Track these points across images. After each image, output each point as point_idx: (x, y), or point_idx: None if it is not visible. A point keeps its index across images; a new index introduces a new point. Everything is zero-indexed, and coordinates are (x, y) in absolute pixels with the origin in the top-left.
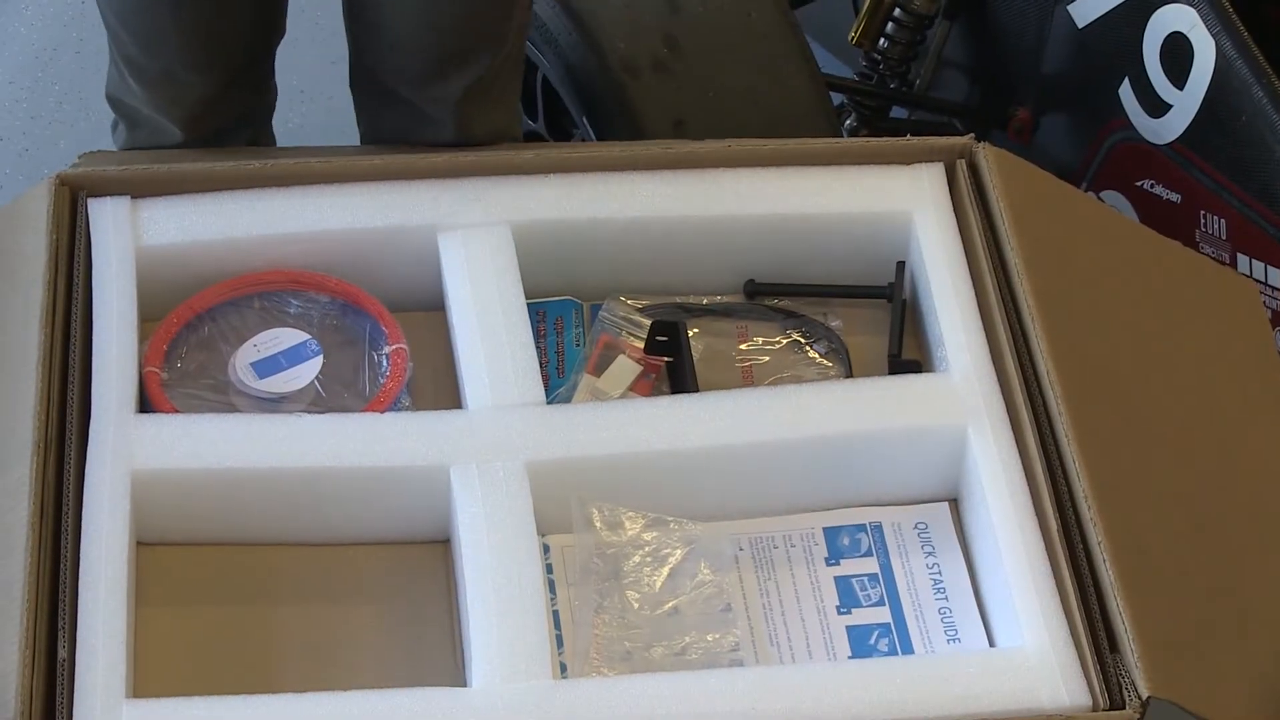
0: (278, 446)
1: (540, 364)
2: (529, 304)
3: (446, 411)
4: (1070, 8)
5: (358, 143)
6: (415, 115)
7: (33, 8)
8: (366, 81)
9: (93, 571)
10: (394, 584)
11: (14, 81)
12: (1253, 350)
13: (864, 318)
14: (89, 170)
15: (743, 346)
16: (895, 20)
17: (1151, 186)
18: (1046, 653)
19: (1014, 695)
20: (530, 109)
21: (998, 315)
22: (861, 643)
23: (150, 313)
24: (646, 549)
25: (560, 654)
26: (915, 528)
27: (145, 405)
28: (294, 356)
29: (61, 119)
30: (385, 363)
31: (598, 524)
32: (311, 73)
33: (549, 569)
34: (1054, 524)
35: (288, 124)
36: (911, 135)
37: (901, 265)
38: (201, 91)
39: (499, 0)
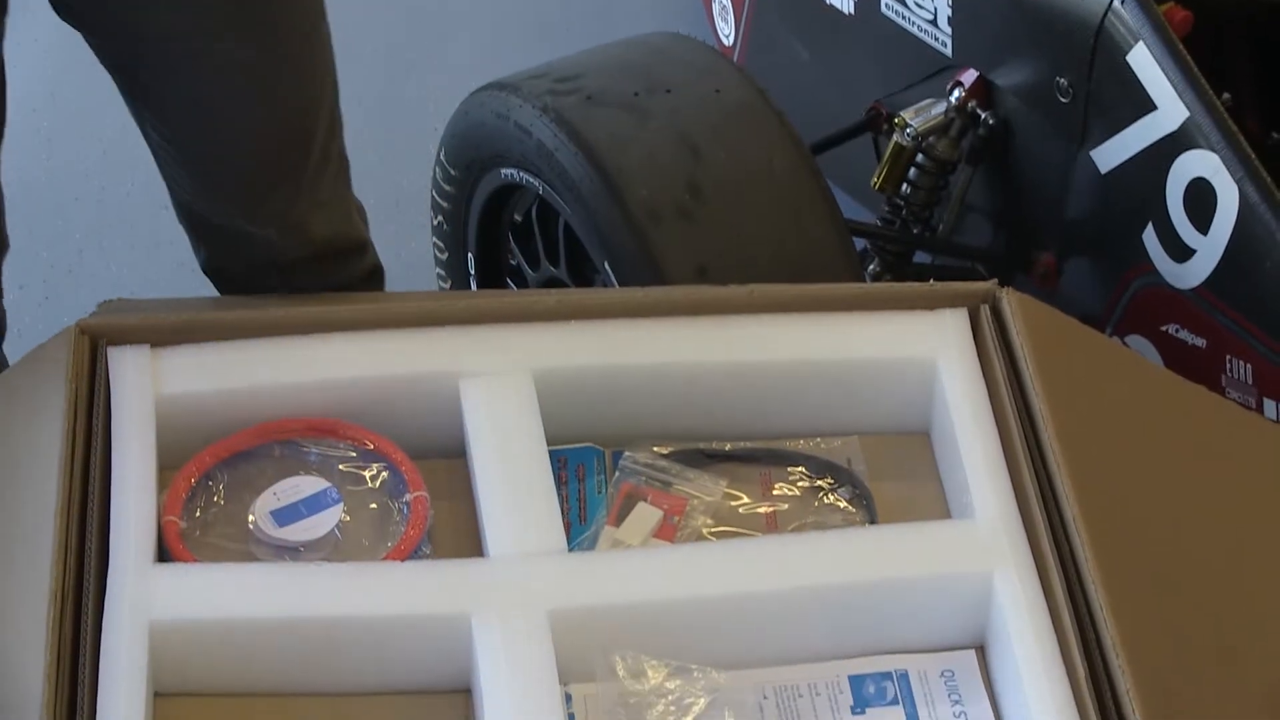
0: (297, 596)
1: (562, 511)
2: (550, 451)
3: (467, 560)
4: (1093, 153)
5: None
6: (247, 238)
7: (55, 157)
8: (192, 217)
9: None
10: None
11: (33, 231)
12: None
13: (888, 463)
14: (109, 319)
15: (765, 492)
16: (918, 166)
17: (1176, 331)
18: None
19: None
20: (552, 255)
21: (1023, 461)
22: None
23: (169, 461)
24: (670, 698)
25: None
26: (942, 675)
27: (164, 555)
28: (314, 505)
29: (82, 268)
30: (406, 510)
31: (620, 672)
32: None
33: (571, 719)
34: (1082, 672)
35: None
36: (935, 280)
37: None
38: None
39: (300, 107)
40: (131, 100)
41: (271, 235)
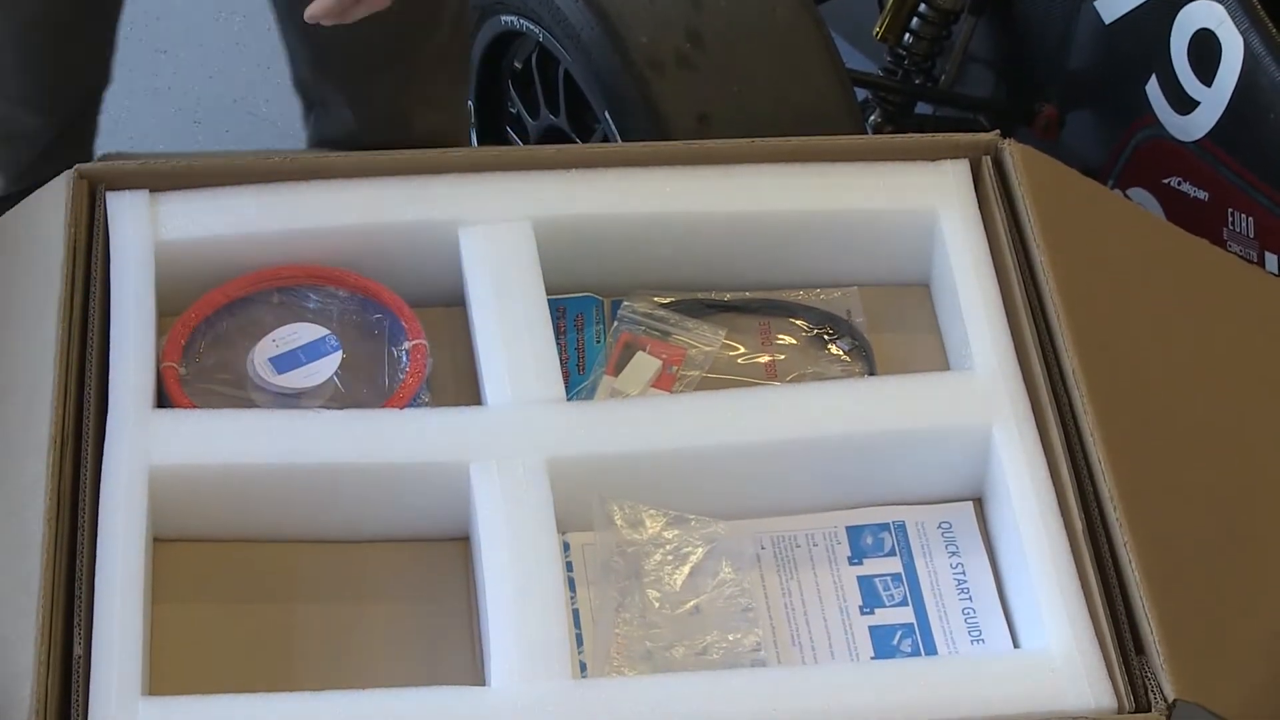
0: (296, 442)
1: (561, 361)
2: (549, 300)
3: (466, 408)
4: (1097, 4)
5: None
6: (349, 119)
7: None
8: (304, 88)
9: (109, 568)
10: (412, 581)
11: None
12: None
13: (888, 314)
14: (108, 164)
15: (765, 343)
16: (920, 15)
17: (1179, 184)
18: (1071, 655)
19: (1039, 697)
20: (552, 103)
21: (1023, 313)
22: (884, 643)
23: (168, 307)
24: (667, 547)
25: (580, 653)
26: (939, 527)
27: (163, 401)
28: (313, 352)
29: None
30: (405, 358)
31: (618, 522)
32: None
33: (569, 567)
34: (1079, 524)
35: (224, 134)
36: (936, 132)
37: None
38: (38, 136)
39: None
40: None
41: (374, 118)
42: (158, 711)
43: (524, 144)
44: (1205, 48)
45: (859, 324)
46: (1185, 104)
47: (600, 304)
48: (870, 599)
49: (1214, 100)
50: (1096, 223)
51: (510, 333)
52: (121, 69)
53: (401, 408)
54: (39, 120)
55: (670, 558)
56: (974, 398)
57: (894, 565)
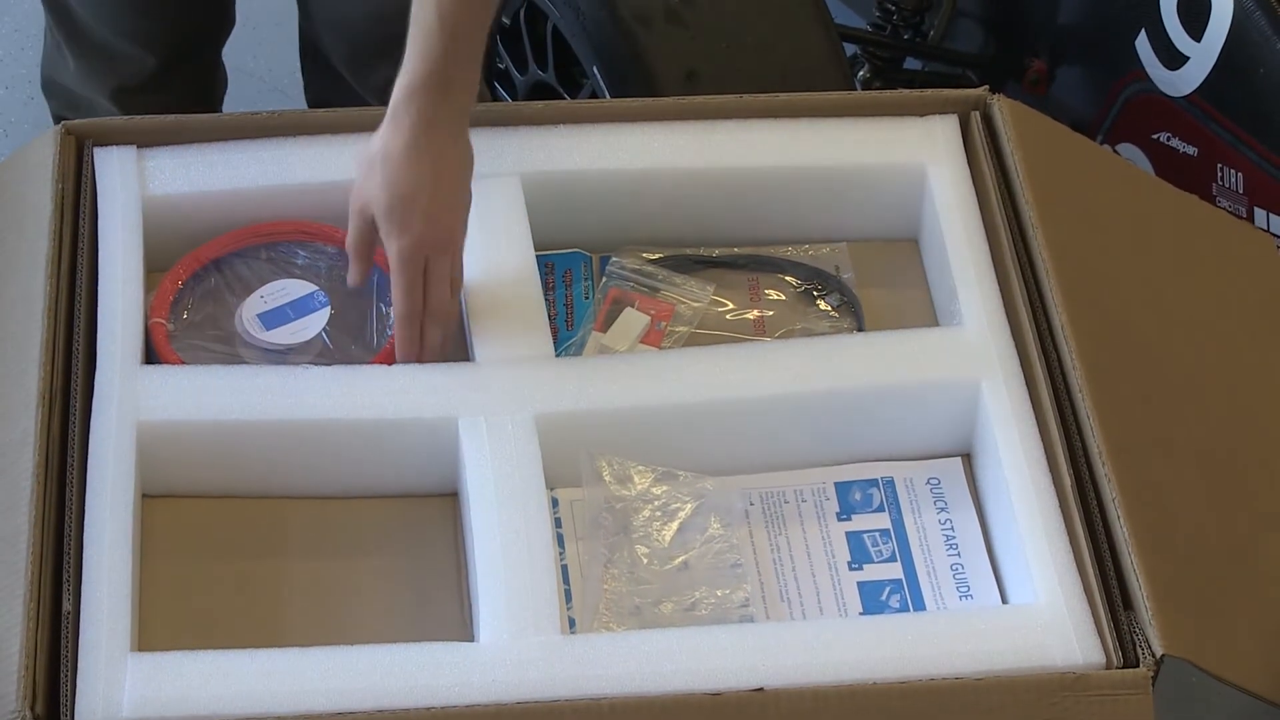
0: (284, 398)
1: (549, 317)
2: (538, 256)
3: (454, 364)
4: None
5: None
6: (352, 96)
7: None
8: (311, 55)
9: (97, 524)
10: (401, 537)
11: (20, 29)
12: (1269, 304)
13: (876, 270)
14: (95, 119)
15: (753, 299)
16: None
17: (1168, 139)
18: (1060, 610)
19: (1027, 652)
20: (540, 59)
21: (1012, 269)
22: (873, 599)
23: (156, 263)
24: (656, 503)
25: (569, 609)
26: (928, 483)
27: (151, 356)
28: (301, 308)
29: None
30: (393, 314)
31: (607, 478)
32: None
33: (558, 523)
34: (1068, 480)
35: None
36: (925, 87)
37: None
38: (138, 66)
39: None
40: None
41: (372, 101)
42: (147, 667)
43: (512, 99)
44: (1195, 3)
45: (848, 279)
46: (1175, 59)
47: (589, 260)
48: (859, 555)
49: (1203, 55)
50: (1086, 178)
51: (499, 289)
52: None
53: (390, 364)
54: (136, 49)
55: (659, 514)
56: (963, 353)
57: (882, 521)
